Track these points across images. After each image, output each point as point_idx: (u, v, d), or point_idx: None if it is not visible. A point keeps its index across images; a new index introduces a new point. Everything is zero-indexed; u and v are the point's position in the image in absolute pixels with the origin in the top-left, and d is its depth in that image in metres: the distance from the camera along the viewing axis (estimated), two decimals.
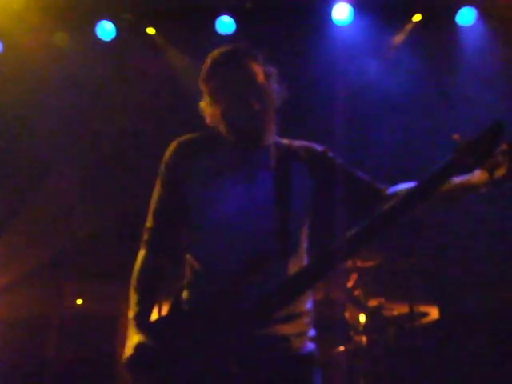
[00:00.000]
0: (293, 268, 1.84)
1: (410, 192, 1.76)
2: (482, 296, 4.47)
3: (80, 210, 4.92)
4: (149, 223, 1.98)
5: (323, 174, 1.96)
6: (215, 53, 1.93)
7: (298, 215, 1.91)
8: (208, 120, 1.95)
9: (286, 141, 2.02)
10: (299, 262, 1.89)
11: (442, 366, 4.27)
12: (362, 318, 4.01)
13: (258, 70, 1.89)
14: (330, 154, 2.01)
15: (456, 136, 1.73)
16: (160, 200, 1.96)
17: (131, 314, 1.86)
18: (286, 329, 1.81)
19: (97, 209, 4.83)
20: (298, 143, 2.02)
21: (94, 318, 4.77)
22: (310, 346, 1.89)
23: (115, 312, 4.76)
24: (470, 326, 4.39)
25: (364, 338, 3.98)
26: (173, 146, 1.99)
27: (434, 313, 4.43)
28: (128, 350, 1.78)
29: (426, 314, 4.19)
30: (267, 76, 1.92)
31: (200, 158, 1.92)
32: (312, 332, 1.92)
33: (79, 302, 4.88)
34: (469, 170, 1.73)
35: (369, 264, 4.11)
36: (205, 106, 1.95)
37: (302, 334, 1.87)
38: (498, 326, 4.35)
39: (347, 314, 4.07)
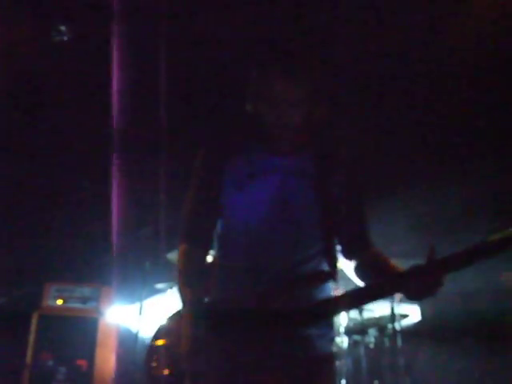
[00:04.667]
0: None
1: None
2: (465, 297, 4.50)
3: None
4: (186, 221, 1.96)
5: (346, 191, 1.94)
6: (279, 52, 1.88)
7: (327, 225, 1.90)
8: (249, 107, 1.90)
9: (332, 148, 2.00)
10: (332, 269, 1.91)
11: (423, 367, 4.29)
12: (344, 319, 4.02)
13: (311, 86, 1.84)
14: (358, 177, 1.98)
15: None
16: (196, 199, 1.95)
17: (187, 308, 1.81)
18: (310, 329, 1.84)
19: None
20: (343, 155, 1.99)
21: (75, 319, 4.74)
22: (330, 346, 1.91)
23: (96, 313, 4.74)
24: (452, 327, 4.42)
25: (345, 340, 3.99)
26: (208, 145, 1.97)
27: (415, 314, 4.44)
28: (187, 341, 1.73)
29: (406, 316, 4.20)
30: (317, 91, 1.87)
31: (234, 159, 1.91)
32: (332, 334, 1.94)
33: (60, 302, 4.84)
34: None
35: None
36: (250, 93, 1.89)
37: (324, 335, 1.89)
38: (480, 328, 4.38)
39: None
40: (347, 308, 1.92)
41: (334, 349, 1.93)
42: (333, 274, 1.89)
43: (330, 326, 1.92)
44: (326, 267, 1.89)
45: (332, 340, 1.93)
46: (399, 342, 4.05)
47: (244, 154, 1.91)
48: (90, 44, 4.66)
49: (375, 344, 4.15)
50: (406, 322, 4.26)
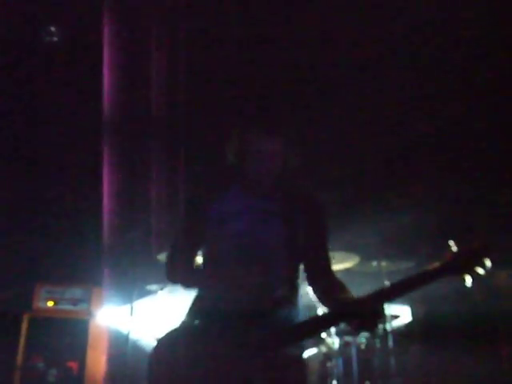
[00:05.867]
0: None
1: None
2: (456, 297, 4.51)
3: None
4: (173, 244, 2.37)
5: (310, 231, 2.26)
6: (257, 113, 2.31)
7: (291, 257, 2.22)
8: (231, 158, 2.27)
9: (294, 190, 2.35)
10: (295, 296, 2.22)
11: (414, 368, 4.29)
12: None
13: (285, 140, 2.24)
14: (324, 217, 2.32)
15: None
16: (184, 230, 2.35)
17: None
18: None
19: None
20: (304, 194, 2.35)
21: (65, 321, 4.72)
22: (299, 351, 2.17)
23: (86, 314, 4.73)
24: (443, 327, 4.44)
25: (336, 341, 3.99)
26: (198, 188, 2.42)
27: (406, 315, 4.45)
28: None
29: (397, 317, 4.22)
30: (285, 148, 2.24)
31: (219, 199, 2.27)
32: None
33: (50, 303, 4.82)
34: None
35: (344, 266, 4.12)
36: (233, 147, 2.26)
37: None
38: (470, 328, 4.39)
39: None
40: (304, 337, 2.20)
41: (303, 352, 2.19)
42: (295, 300, 2.21)
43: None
44: (289, 294, 2.18)
45: (301, 346, 2.18)
46: (390, 342, 4.06)
47: (227, 195, 2.27)
48: (80, 45, 4.67)
49: (366, 345, 4.15)
50: (396, 323, 4.27)
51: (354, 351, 4.01)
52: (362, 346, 4.13)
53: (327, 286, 2.24)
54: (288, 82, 4.82)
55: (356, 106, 4.76)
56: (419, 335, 4.47)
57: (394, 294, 2.07)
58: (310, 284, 2.29)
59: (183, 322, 2.18)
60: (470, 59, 4.53)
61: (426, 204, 4.53)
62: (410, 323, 4.44)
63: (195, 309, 2.20)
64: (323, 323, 2.21)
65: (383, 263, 4.23)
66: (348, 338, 4.05)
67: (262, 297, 2.10)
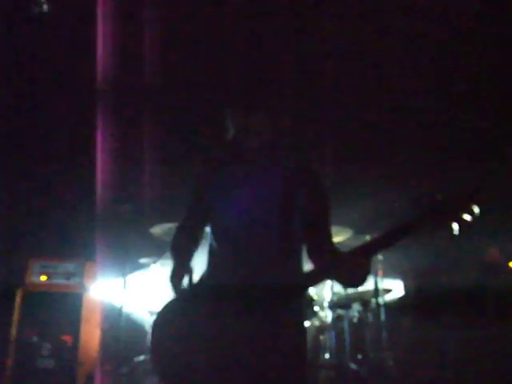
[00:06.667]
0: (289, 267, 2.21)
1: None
2: (448, 272, 4.54)
3: None
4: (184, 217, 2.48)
5: (310, 201, 2.29)
6: (245, 103, 2.35)
7: (296, 229, 2.25)
8: (228, 136, 2.33)
9: (293, 164, 2.39)
10: (296, 263, 2.25)
11: (406, 341, 4.33)
12: (328, 294, 4.04)
13: (269, 119, 2.31)
14: (323, 189, 2.34)
15: None
16: (191, 205, 2.47)
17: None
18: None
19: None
20: (302, 167, 2.39)
21: (59, 295, 4.72)
22: (304, 318, 2.30)
23: (80, 288, 4.73)
24: (435, 301, 4.46)
25: (329, 314, 4.02)
26: (202, 163, 2.45)
27: (398, 289, 4.48)
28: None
29: (390, 290, 4.24)
30: (277, 122, 2.33)
31: (221, 173, 2.37)
32: (299, 316, 2.23)
33: (43, 278, 4.81)
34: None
35: (336, 240, 4.12)
36: (227, 126, 2.34)
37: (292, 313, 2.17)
38: (462, 303, 4.43)
39: (312, 290, 4.09)
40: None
41: (304, 320, 2.26)
42: (300, 271, 2.24)
43: (297, 307, 2.20)
44: (294, 265, 2.22)
45: (302, 312, 2.24)
46: (382, 316, 4.09)
47: (228, 170, 2.36)
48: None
49: (359, 318, 4.18)
50: (389, 297, 4.30)
51: (346, 324, 4.04)
52: (355, 320, 4.17)
53: (326, 257, 2.22)
54: (278, 56, 4.80)
55: (348, 77, 4.74)
56: (411, 309, 4.50)
57: (377, 247, 2.04)
58: (309, 256, 2.29)
59: (186, 292, 2.20)
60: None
61: (420, 177, 4.53)
62: (402, 297, 4.47)
63: (202, 281, 2.24)
64: (310, 280, 2.21)
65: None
66: (341, 312, 4.08)
67: (266, 267, 2.14)
